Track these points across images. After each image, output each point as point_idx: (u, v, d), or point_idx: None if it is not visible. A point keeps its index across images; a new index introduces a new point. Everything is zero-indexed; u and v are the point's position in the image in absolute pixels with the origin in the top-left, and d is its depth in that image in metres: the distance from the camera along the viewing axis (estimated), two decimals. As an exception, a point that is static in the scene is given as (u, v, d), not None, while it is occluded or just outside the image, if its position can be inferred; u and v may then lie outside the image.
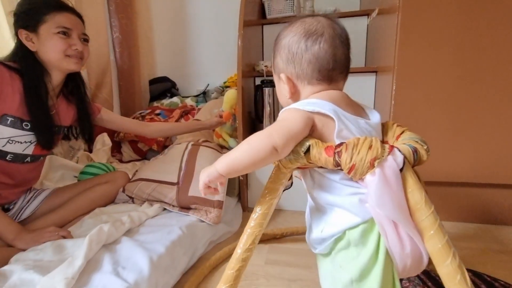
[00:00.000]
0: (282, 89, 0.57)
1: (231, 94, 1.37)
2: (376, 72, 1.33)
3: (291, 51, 0.53)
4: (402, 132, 0.53)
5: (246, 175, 1.30)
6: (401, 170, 0.44)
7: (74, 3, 1.45)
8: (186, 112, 1.79)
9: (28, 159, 0.93)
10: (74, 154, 1.53)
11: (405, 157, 0.44)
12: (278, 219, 1.23)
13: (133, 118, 1.76)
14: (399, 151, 0.45)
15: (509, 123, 1.01)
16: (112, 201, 1.14)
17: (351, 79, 1.51)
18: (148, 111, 1.82)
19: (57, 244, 0.81)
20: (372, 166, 0.43)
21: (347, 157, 0.43)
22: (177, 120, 1.71)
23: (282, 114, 0.50)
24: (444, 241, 0.42)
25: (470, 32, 0.99)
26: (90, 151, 1.58)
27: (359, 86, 1.35)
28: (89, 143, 1.24)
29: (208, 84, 2.11)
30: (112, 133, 1.69)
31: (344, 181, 0.48)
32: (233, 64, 1.33)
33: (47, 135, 0.92)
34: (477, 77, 1.01)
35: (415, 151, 0.46)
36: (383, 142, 0.53)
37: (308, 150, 0.47)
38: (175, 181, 1.13)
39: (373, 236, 0.45)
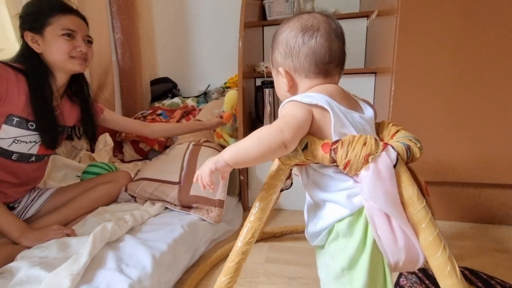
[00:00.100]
0: (280, 83, 0.59)
1: (231, 95, 1.39)
2: (375, 73, 1.34)
3: (289, 45, 0.55)
4: (397, 131, 0.55)
5: (247, 175, 1.32)
6: (394, 166, 0.45)
7: (77, 4, 1.48)
8: (187, 113, 1.80)
9: (33, 158, 0.95)
10: (77, 154, 1.55)
11: (398, 154, 0.46)
12: (278, 219, 1.24)
13: (135, 118, 1.77)
14: (393, 148, 0.47)
15: (508, 124, 1.02)
16: (114, 200, 1.16)
17: (351, 80, 1.52)
18: (150, 111, 1.84)
19: (62, 241, 0.82)
20: (366, 161, 0.45)
21: (343, 154, 0.45)
22: (178, 121, 1.72)
23: (284, 109, 0.52)
24: (435, 234, 0.44)
25: (468, 33, 1.00)
26: (93, 151, 1.59)
27: (358, 87, 1.36)
28: (92, 143, 1.25)
29: (209, 85, 2.13)
30: (114, 133, 1.71)
31: (336, 174, 0.50)
32: (234, 65, 1.34)
33: (52, 135, 0.93)
34: (476, 78, 1.02)
35: (408, 148, 0.48)
36: (379, 136, 0.55)
37: (305, 147, 0.49)
38: (177, 180, 1.15)
39: (359, 227, 0.48)
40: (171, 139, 1.69)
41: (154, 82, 2.14)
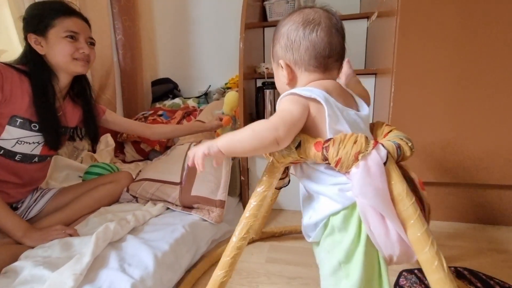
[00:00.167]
0: (280, 76, 0.60)
1: (231, 96, 1.39)
2: (375, 74, 1.35)
3: (290, 38, 0.56)
4: (390, 131, 0.57)
5: (248, 175, 1.32)
6: (385, 164, 0.47)
7: (79, 5, 1.48)
8: (188, 113, 1.81)
9: (36, 159, 0.96)
10: (78, 154, 1.55)
11: (388, 152, 0.48)
12: (279, 219, 1.25)
13: (136, 119, 1.78)
14: (383, 146, 0.48)
15: (508, 124, 1.03)
16: (116, 200, 1.16)
17: (351, 81, 1.49)
18: (151, 112, 1.85)
19: (65, 241, 0.83)
20: (356, 159, 0.46)
21: (334, 152, 0.47)
22: (179, 121, 1.73)
23: (283, 103, 0.53)
24: (423, 230, 0.45)
25: (468, 34, 1.00)
26: (94, 151, 1.60)
27: (358, 88, 1.37)
28: (94, 143, 1.26)
29: (210, 86, 2.13)
30: (115, 134, 1.72)
31: (328, 170, 0.51)
32: (234, 65, 1.35)
33: (55, 136, 0.94)
34: (475, 79, 1.02)
35: (398, 147, 0.49)
36: (373, 136, 0.57)
37: (299, 145, 0.50)
38: (178, 181, 1.15)
39: (354, 221, 0.49)
40: (172, 139, 1.70)
41: (155, 83, 2.15)
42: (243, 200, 1.34)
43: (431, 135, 1.09)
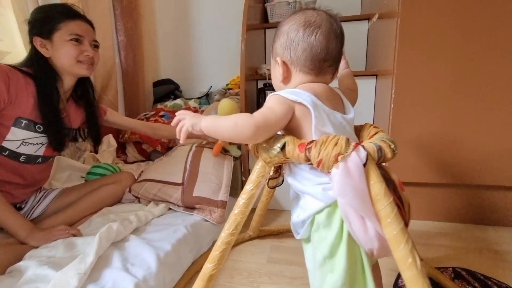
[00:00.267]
0: (276, 72, 0.62)
1: (226, 106, 1.21)
2: (376, 75, 1.35)
3: (289, 37, 0.58)
4: (376, 133, 0.58)
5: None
6: (365, 165, 0.48)
7: (81, 7, 1.49)
8: (190, 114, 1.81)
9: (39, 160, 0.97)
10: (81, 155, 1.57)
11: (369, 154, 0.49)
12: (280, 219, 1.26)
13: (138, 119, 1.79)
14: (364, 148, 0.50)
15: (507, 125, 1.04)
16: (118, 201, 1.17)
17: (352, 83, 1.49)
18: (152, 113, 1.86)
19: (68, 241, 0.84)
20: (336, 160, 0.48)
21: (316, 153, 0.49)
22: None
23: (270, 101, 0.56)
24: (399, 229, 0.47)
25: (468, 37, 1.01)
26: (96, 152, 1.61)
27: (359, 89, 1.36)
28: (96, 144, 1.27)
29: (211, 86, 2.14)
30: (117, 135, 1.73)
31: (312, 171, 0.54)
32: (235, 66, 1.36)
33: (59, 137, 0.95)
34: (475, 81, 1.03)
35: (379, 149, 0.50)
36: (359, 137, 0.60)
37: (284, 146, 0.53)
38: (180, 181, 1.16)
39: (336, 217, 0.51)
40: (173, 140, 1.71)
41: (156, 84, 2.16)
42: (244, 200, 1.35)
43: (431, 135, 1.09)
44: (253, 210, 1.05)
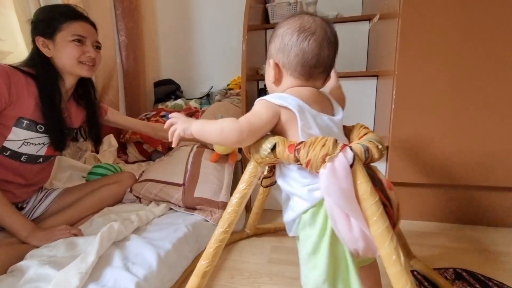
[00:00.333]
0: (269, 74, 0.63)
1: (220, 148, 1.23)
2: (377, 76, 1.35)
3: (284, 41, 0.59)
4: (366, 134, 0.60)
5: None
6: (352, 165, 0.49)
7: (82, 7, 1.50)
8: (191, 114, 1.82)
9: (41, 159, 0.97)
10: (82, 155, 1.57)
11: (356, 155, 0.50)
12: (279, 219, 1.26)
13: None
14: (351, 149, 0.51)
15: (507, 126, 1.03)
16: (120, 201, 1.18)
17: (353, 83, 1.53)
18: (153, 113, 1.86)
19: (69, 241, 0.84)
20: (323, 161, 0.49)
21: (304, 154, 0.51)
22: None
23: (257, 105, 0.58)
24: (384, 227, 0.48)
25: (469, 38, 1.01)
26: (97, 152, 1.62)
27: (360, 90, 1.37)
28: (97, 144, 1.27)
29: (212, 87, 2.15)
30: (118, 135, 1.73)
31: (301, 172, 0.55)
32: (236, 67, 1.36)
33: (60, 137, 0.95)
34: (476, 82, 1.03)
35: (366, 149, 0.52)
36: (349, 138, 0.62)
37: (274, 147, 0.54)
38: (181, 182, 1.16)
39: (320, 217, 0.53)
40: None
41: (157, 84, 2.17)
42: (245, 201, 1.35)
43: (432, 136, 1.09)
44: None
